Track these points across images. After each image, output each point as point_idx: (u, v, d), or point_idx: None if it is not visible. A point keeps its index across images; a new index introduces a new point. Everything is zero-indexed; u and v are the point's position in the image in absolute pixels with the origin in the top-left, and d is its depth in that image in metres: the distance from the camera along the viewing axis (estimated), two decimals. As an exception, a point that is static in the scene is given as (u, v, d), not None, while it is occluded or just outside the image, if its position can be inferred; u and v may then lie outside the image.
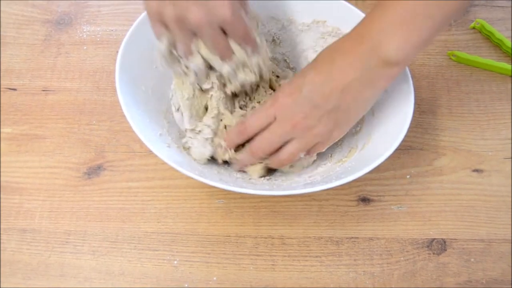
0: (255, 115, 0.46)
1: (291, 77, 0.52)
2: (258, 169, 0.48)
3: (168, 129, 0.50)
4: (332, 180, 0.43)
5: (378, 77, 0.43)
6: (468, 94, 0.58)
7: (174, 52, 0.44)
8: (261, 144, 0.46)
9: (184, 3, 0.39)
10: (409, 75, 0.48)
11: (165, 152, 0.45)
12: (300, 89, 0.44)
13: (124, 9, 0.65)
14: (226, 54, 0.43)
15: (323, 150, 0.47)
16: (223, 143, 0.48)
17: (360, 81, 0.42)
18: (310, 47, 0.56)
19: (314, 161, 0.50)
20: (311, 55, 0.55)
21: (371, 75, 0.42)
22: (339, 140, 0.49)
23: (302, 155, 0.47)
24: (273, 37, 0.56)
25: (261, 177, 0.49)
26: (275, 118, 0.45)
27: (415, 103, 0.57)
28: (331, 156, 0.51)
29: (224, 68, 0.44)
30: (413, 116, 0.46)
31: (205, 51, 0.43)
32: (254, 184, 0.48)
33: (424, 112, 0.57)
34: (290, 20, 0.54)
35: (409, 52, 0.41)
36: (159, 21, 0.42)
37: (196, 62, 0.44)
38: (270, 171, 0.50)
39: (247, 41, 0.43)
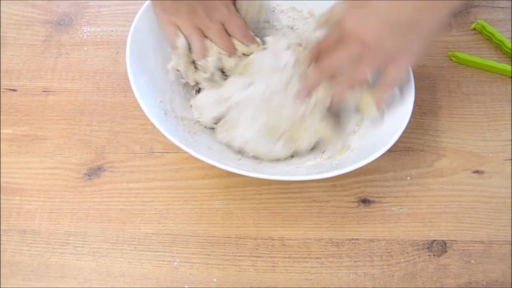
0: (323, 39, 0.46)
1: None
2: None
3: (171, 97, 0.50)
4: (315, 173, 0.43)
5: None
6: (469, 95, 0.58)
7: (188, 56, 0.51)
8: (331, 61, 0.45)
9: (192, 6, 0.47)
10: (412, 80, 0.48)
11: (159, 118, 0.45)
12: (366, 5, 0.42)
13: (125, 10, 0.65)
14: (232, 51, 0.50)
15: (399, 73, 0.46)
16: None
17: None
18: None
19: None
20: None
21: None
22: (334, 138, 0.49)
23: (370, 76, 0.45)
24: (292, 27, 0.56)
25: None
26: (341, 38, 0.43)
27: (416, 104, 0.57)
28: (323, 152, 0.51)
29: (231, 61, 0.51)
30: (414, 117, 0.46)
31: (216, 50, 0.50)
32: (239, 164, 0.48)
33: (424, 113, 0.57)
34: (311, 13, 0.54)
35: None
36: (172, 25, 0.49)
37: (213, 57, 0.50)
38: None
39: (245, 37, 0.50)
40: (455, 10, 0.43)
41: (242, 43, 0.51)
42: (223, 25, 0.50)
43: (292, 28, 0.56)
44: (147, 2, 0.51)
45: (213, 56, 0.50)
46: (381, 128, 0.48)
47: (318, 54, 0.47)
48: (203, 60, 0.50)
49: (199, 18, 0.49)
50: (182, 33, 0.50)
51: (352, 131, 0.51)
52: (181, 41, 0.50)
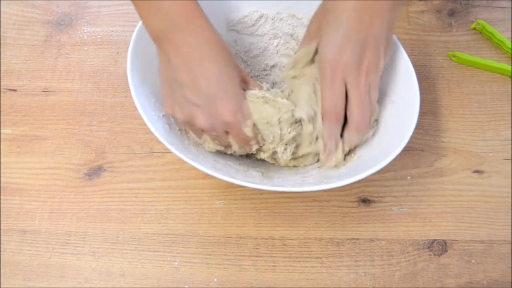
0: (335, 96, 0.44)
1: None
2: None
3: None
4: (324, 182, 0.42)
5: None
6: (469, 95, 0.58)
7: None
8: (363, 116, 0.45)
9: (191, 110, 0.43)
10: (418, 91, 0.47)
11: (162, 131, 0.45)
12: (346, 41, 0.43)
13: (125, 10, 0.65)
14: (228, 147, 0.47)
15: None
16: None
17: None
18: None
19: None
20: None
21: None
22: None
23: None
24: (292, 35, 0.56)
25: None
26: (344, 82, 0.44)
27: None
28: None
29: (229, 151, 0.48)
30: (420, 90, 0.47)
31: (212, 143, 0.47)
32: (245, 176, 0.47)
33: (425, 113, 0.57)
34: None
35: None
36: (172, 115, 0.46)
37: (206, 148, 0.48)
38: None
39: (246, 143, 0.46)
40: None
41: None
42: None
43: (292, 36, 0.56)
44: None
45: (207, 148, 0.48)
46: (388, 135, 0.47)
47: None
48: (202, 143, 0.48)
49: (198, 124, 0.44)
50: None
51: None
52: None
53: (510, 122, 0.56)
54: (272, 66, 0.57)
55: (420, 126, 0.56)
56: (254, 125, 0.45)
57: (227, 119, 0.43)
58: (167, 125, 0.47)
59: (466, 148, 0.55)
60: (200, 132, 0.46)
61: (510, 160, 0.54)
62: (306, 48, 0.47)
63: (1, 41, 0.63)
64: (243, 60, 0.56)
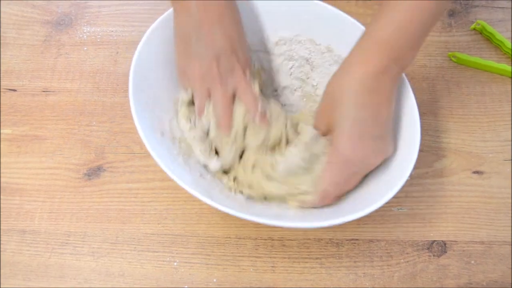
0: (333, 182, 0.44)
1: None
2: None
3: (170, 119, 0.48)
4: (323, 218, 0.41)
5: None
6: (469, 96, 0.58)
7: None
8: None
9: (207, 62, 0.45)
10: (418, 116, 0.47)
11: (156, 143, 0.44)
12: (364, 139, 0.43)
13: (124, 10, 0.65)
14: (223, 125, 0.47)
15: None
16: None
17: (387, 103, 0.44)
18: None
19: None
20: None
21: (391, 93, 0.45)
22: None
23: None
24: (308, 59, 0.55)
25: None
26: (354, 172, 0.44)
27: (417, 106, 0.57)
28: None
29: (218, 135, 0.47)
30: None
31: (210, 115, 0.47)
32: (233, 201, 0.45)
33: (424, 114, 0.57)
34: (329, 48, 0.53)
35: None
36: (185, 76, 0.47)
37: (204, 121, 0.47)
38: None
39: (251, 103, 0.46)
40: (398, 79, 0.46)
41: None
42: (235, 92, 0.47)
43: (307, 60, 0.55)
44: (149, 30, 0.49)
45: (207, 119, 0.47)
46: (389, 165, 0.46)
47: None
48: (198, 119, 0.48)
49: (211, 77, 0.46)
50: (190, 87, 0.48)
51: None
52: (185, 95, 0.48)
53: (510, 122, 0.56)
54: (284, 87, 0.56)
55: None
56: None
57: (240, 76, 0.46)
58: (159, 133, 0.46)
59: (466, 148, 0.55)
60: (205, 94, 0.47)
61: (510, 161, 0.54)
62: (323, 141, 0.46)
63: (1, 41, 0.63)
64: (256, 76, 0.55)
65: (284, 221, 0.41)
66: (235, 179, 0.48)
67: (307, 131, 0.46)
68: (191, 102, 0.48)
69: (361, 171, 0.45)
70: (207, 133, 0.48)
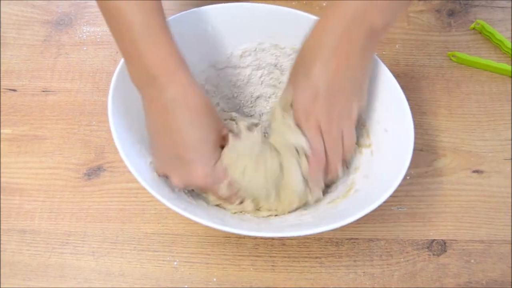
0: (314, 141, 0.45)
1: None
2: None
3: None
4: (322, 223, 0.41)
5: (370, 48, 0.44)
6: (468, 95, 0.58)
7: None
8: (330, 161, 0.45)
9: (167, 167, 0.44)
10: (410, 113, 0.46)
11: (153, 182, 0.44)
12: (317, 91, 0.43)
13: (124, 10, 0.65)
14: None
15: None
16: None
17: (358, 57, 0.44)
18: None
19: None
20: None
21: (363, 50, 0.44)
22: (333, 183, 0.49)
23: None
24: (276, 64, 0.55)
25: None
26: (319, 128, 0.44)
27: (415, 104, 0.57)
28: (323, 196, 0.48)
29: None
30: (413, 117, 0.46)
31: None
32: (242, 221, 0.46)
33: (424, 113, 0.57)
34: (294, 49, 0.53)
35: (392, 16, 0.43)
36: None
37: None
38: None
39: (227, 201, 0.46)
40: (375, 37, 0.45)
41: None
42: None
43: (275, 66, 0.55)
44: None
45: None
46: (384, 165, 0.46)
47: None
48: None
49: (173, 183, 0.45)
50: None
51: (353, 170, 0.49)
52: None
53: (509, 122, 0.56)
54: (257, 97, 0.56)
55: (419, 126, 0.56)
56: (231, 183, 0.44)
57: (198, 182, 0.43)
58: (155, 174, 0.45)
59: (465, 148, 0.55)
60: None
61: (510, 160, 0.54)
62: (284, 95, 0.47)
63: (1, 41, 0.63)
64: (226, 96, 0.55)
65: (287, 231, 0.41)
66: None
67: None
68: None
69: (329, 129, 0.44)
70: None
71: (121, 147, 0.43)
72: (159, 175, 0.46)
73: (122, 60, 0.47)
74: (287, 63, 0.54)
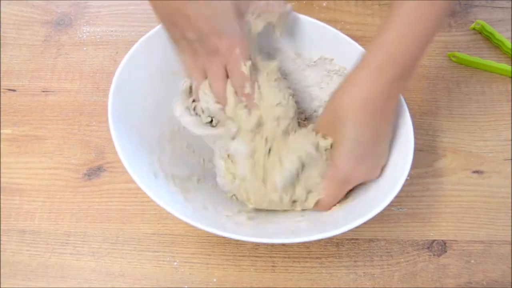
0: (331, 197, 0.46)
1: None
2: None
3: (159, 157, 0.47)
4: (316, 231, 0.41)
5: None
6: (468, 95, 0.58)
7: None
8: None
9: (194, 47, 0.43)
10: (409, 118, 0.46)
11: (152, 185, 0.43)
12: (363, 158, 0.44)
13: (124, 10, 0.65)
14: (222, 102, 0.45)
15: None
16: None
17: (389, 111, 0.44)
18: (315, 84, 0.54)
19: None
20: (315, 92, 0.54)
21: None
22: None
23: None
24: (279, 69, 0.54)
25: None
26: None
27: (415, 104, 0.57)
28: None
29: (221, 115, 0.45)
30: (413, 117, 0.46)
31: (208, 92, 0.45)
32: (237, 225, 0.45)
33: (424, 113, 0.57)
34: (298, 53, 0.53)
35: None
36: (183, 64, 0.45)
37: (203, 102, 0.45)
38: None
39: (241, 83, 0.44)
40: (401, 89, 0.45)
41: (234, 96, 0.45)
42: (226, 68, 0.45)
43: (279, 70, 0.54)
44: (127, 54, 0.48)
45: (205, 99, 0.46)
46: (385, 167, 0.46)
47: None
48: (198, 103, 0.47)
49: (201, 58, 0.44)
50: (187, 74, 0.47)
51: None
52: (182, 83, 0.47)
53: (510, 122, 0.56)
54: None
55: (419, 126, 0.56)
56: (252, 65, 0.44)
57: (228, 48, 0.42)
58: (152, 175, 0.45)
59: (465, 148, 0.55)
60: (201, 78, 0.45)
61: (510, 161, 0.54)
62: (322, 142, 0.45)
63: (1, 41, 0.63)
64: None
65: (294, 237, 0.41)
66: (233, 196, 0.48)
67: (302, 148, 0.45)
68: (190, 91, 0.47)
69: (358, 183, 0.46)
70: (206, 117, 0.47)
71: (122, 151, 0.42)
72: (181, 59, 0.45)
73: (121, 63, 0.47)
74: (292, 67, 0.54)
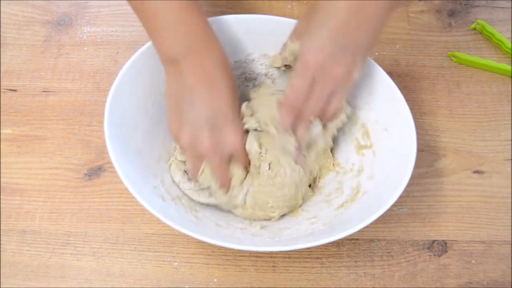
0: (294, 88, 0.44)
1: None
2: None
3: (162, 179, 0.48)
4: (336, 230, 0.41)
5: None
6: (469, 95, 0.58)
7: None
8: (311, 106, 0.44)
9: (198, 131, 0.44)
10: (411, 115, 0.46)
11: (159, 206, 0.43)
12: (325, 43, 0.42)
13: (124, 10, 0.65)
14: (225, 184, 0.47)
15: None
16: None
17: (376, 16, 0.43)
18: None
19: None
20: None
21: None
22: (339, 183, 0.49)
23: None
24: (266, 74, 0.54)
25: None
26: (313, 79, 0.43)
27: (416, 104, 0.57)
28: (329, 201, 0.49)
29: (220, 198, 0.48)
30: (413, 118, 0.46)
31: (207, 175, 0.47)
32: (253, 236, 0.46)
33: (424, 113, 0.57)
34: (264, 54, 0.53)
35: None
36: (178, 140, 0.46)
37: (201, 182, 0.48)
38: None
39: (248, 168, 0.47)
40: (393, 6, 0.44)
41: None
42: (231, 156, 0.46)
43: (266, 75, 0.54)
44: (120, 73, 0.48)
45: (205, 180, 0.47)
46: (388, 165, 0.46)
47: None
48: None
49: (204, 147, 0.44)
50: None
51: (357, 172, 0.49)
52: (180, 156, 0.50)
53: (510, 122, 0.56)
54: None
55: (420, 126, 0.56)
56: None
57: (234, 142, 0.45)
58: (160, 199, 0.45)
59: (466, 148, 0.55)
60: (199, 160, 0.46)
61: (510, 161, 0.54)
62: (290, 46, 0.46)
63: (1, 41, 0.63)
64: None
65: (299, 243, 0.41)
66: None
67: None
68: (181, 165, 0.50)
69: (322, 81, 0.43)
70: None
71: (129, 184, 0.42)
72: (182, 149, 0.47)
73: (121, 72, 0.48)
74: (275, 73, 0.54)
